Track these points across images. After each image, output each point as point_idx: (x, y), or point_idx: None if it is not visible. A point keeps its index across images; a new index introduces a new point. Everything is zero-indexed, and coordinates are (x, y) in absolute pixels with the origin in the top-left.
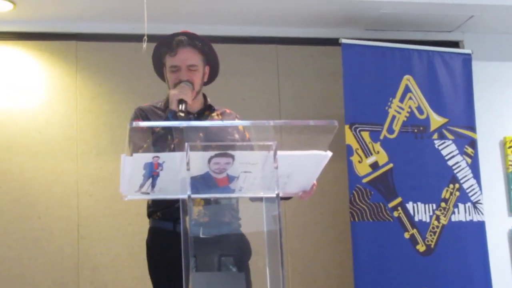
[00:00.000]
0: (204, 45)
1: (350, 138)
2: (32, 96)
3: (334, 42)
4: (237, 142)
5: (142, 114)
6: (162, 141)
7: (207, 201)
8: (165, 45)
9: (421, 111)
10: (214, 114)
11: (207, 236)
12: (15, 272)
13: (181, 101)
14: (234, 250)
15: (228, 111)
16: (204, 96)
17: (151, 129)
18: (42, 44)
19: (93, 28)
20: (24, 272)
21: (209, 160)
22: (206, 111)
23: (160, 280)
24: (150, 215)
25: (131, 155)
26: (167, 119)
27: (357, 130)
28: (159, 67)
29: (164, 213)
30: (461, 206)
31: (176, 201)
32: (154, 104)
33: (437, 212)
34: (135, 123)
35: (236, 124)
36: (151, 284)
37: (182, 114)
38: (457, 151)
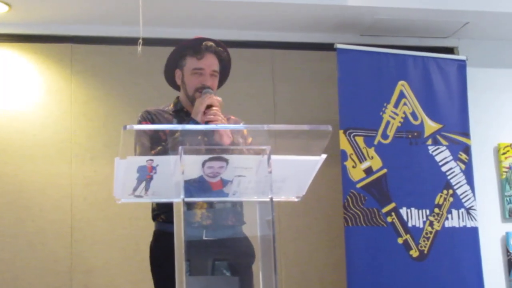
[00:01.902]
0: (226, 55)
1: (344, 143)
2: (26, 99)
3: (329, 47)
4: (238, 146)
5: (149, 117)
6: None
7: (210, 204)
8: (191, 48)
9: (415, 117)
10: None
11: (208, 239)
12: (8, 275)
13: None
14: (229, 254)
15: (233, 117)
16: None
17: (164, 133)
18: (37, 47)
19: (88, 31)
20: (17, 275)
21: (203, 164)
22: None
23: (162, 283)
24: (154, 218)
25: (129, 156)
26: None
27: (352, 135)
28: (171, 68)
29: (168, 216)
30: (454, 212)
31: None
32: (160, 108)
33: (431, 218)
34: (129, 126)
35: (231, 128)
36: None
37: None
38: (451, 157)
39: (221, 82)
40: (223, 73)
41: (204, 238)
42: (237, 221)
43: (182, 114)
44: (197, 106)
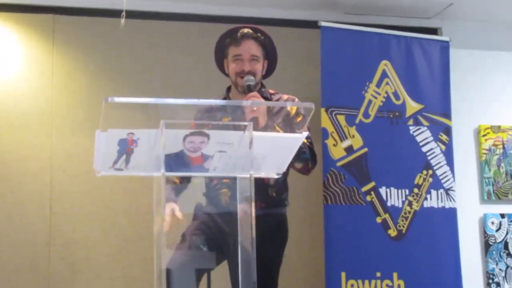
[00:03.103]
0: (266, 40)
1: (325, 122)
2: (7, 69)
3: (313, 25)
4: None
5: (198, 115)
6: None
7: (233, 193)
8: (229, 36)
9: (397, 97)
10: None
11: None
12: None
13: (253, 119)
14: (209, 230)
15: (285, 96)
16: (262, 87)
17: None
18: (19, 16)
19: (71, 2)
20: None
21: (184, 138)
22: None
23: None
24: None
25: None
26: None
27: (333, 114)
28: (220, 58)
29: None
30: (433, 192)
31: None
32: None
33: (410, 198)
34: (110, 99)
35: (211, 104)
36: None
37: None
38: (431, 138)
39: (271, 66)
40: (270, 57)
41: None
42: (267, 205)
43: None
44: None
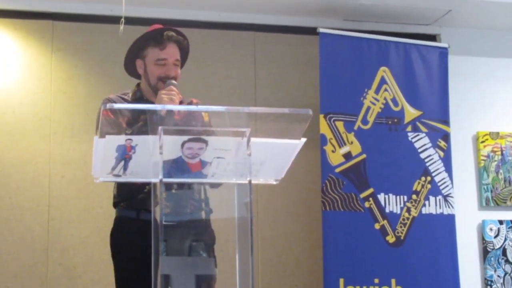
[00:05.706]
0: (187, 45)
1: (324, 128)
2: (6, 75)
3: (312, 31)
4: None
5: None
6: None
7: (168, 193)
8: (153, 39)
9: (396, 103)
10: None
11: (168, 223)
12: None
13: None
14: (203, 236)
15: (195, 100)
16: None
17: (126, 120)
18: (18, 23)
19: (70, 8)
20: None
21: (182, 145)
22: None
23: (123, 268)
24: (115, 205)
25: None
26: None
27: (332, 120)
28: (133, 57)
29: (128, 203)
30: (432, 198)
31: (140, 192)
32: (121, 95)
33: (408, 204)
34: (109, 105)
35: (209, 110)
36: None
37: None
38: (430, 144)
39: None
40: (182, 61)
41: (164, 222)
42: (195, 208)
43: (142, 102)
44: (159, 100)
